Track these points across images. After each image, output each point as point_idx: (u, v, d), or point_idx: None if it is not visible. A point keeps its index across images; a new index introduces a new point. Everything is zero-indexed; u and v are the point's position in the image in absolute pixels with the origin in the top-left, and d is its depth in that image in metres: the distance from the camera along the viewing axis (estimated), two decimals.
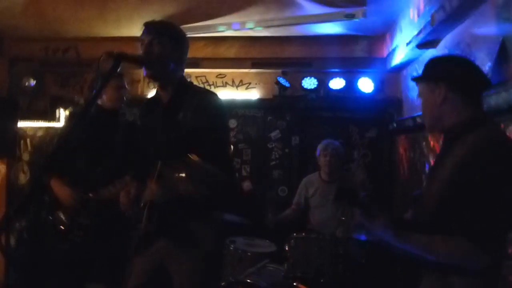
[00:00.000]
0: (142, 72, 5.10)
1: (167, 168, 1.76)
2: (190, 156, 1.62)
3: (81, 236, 2.54)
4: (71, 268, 2.65)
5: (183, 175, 1.65)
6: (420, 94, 1.69)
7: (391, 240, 1.51)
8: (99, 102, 2.75)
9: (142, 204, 1.87)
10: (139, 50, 1.92)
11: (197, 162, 1.62)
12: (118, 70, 1.66)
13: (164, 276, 1.89)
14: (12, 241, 4.51)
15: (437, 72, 1.63)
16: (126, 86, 2.87)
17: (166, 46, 1.86)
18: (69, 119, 2.88)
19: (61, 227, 2.57)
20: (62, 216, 2.57)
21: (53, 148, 1.35)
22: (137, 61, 1.81)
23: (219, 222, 1.96)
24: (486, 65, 2.28)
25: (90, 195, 2.51)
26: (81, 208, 2.52)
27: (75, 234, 2.54)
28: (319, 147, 3.72)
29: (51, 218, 2.61)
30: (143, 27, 1.89)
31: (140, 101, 4.64)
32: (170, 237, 1.87)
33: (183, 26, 4.08)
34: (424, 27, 3.00)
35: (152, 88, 4.73)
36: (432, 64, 1.67)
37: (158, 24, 1.92)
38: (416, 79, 1.71)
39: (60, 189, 2.61)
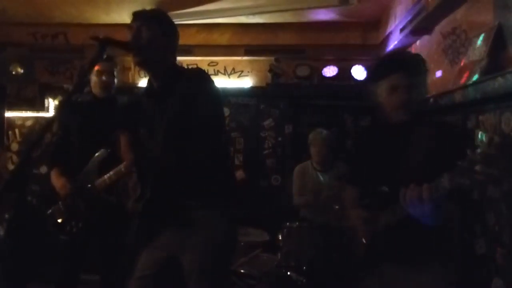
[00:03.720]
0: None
1: None
2: None
3: (78, 228, 2.50)
4: (69, 259, 2.62)
5: None
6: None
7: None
8: (92, 89, 2.70)
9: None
10: (129, 37, 1.86)
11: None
12: (105, 55, 1.62)
13: (174, 266, 1.85)
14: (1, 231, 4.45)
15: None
16: (113, 71, 2.72)
17: (155, 32, 1.81)
18: (57, 108, 2.80)
19: (59, 220, 2.53)
20: (61, 207, 2.53)
21: (36, 137, 1.29)
22: (125, 46, 1.75)
23: (229, 210, 1.91)
24: (482, 51, 2.25)
25: (89, 185, 2.46)
26: (76, 198, 2.46)
27: (72, 225, 2.51)
28: (309, 137, 3.67)
29: (50, 211, 2.57)
30: (132, 16, 1.85)
31: (130, 88, 4.61)
32: (177, 226, 1.84)
33: (175, 12, 4.01)
34: (419, 12, 2.95)
35: (143, 77, 4.66)
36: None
37: (147, 12, 1.88)
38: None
39: (56, 180, 2.57)
